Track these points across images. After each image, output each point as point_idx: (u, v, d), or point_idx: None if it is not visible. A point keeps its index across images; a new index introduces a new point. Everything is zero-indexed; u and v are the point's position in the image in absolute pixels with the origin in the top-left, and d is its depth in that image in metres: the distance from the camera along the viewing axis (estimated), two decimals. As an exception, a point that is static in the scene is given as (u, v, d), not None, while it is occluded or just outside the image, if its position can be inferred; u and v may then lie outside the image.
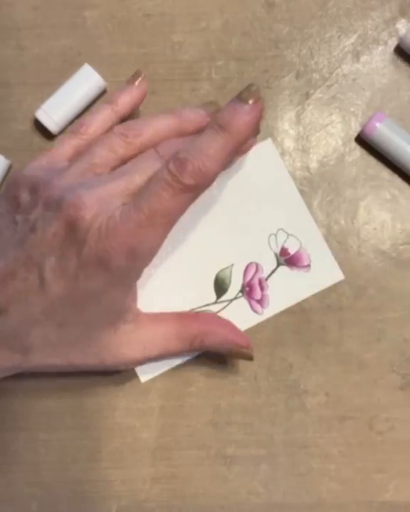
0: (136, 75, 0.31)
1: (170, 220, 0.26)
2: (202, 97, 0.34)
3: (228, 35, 0.34)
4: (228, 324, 0.31)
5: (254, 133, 0.28)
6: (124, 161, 0.28)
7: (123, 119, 0.31)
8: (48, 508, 0.31)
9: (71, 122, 0.33)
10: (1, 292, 0.26)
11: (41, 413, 0.32)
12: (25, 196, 0.28)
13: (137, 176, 0.27)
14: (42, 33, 0.34)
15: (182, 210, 0.27)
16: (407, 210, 0.33)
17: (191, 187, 0.26)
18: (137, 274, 0.28)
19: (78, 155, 0.29)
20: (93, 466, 0.32)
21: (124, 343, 0.29)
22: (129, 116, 0.32)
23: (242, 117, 0.27)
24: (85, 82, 0.33)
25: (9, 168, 0.33)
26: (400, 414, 0.31)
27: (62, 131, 0.33)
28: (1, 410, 0.32)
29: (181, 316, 0.31)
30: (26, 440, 0.32)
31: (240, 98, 0.27)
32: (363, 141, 0.33)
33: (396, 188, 0.33)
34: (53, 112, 0.32)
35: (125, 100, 0.30)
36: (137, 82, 0.31)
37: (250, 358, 0.30)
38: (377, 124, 0.32)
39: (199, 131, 0.29)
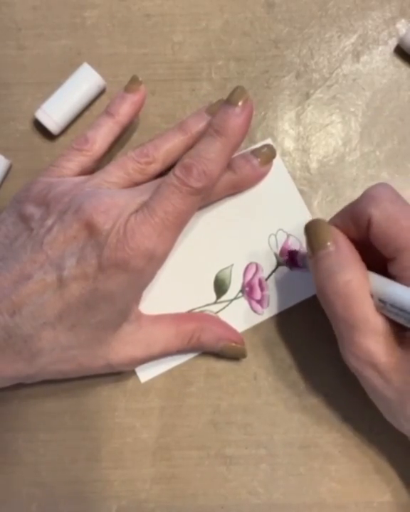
0: (133, 82, 0.32)
1: (182, 221, 0.28)
2: (202, 97, 0.34)
3: (228, 35, 0.34)
4: (221, 322, 0.32)
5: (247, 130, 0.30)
6: (135, 185, 0.30)
7: (125, 128, 0.32)
8: (47, 508, 0.31)
9: (71, 122, 0.33)
10: (14, 293, 0.27)
11: (41, 413, 0.32)
12: (37, 210, 0.28)
13: (156, 203, 0.27)
14: (42, 33, 0.34)
15: (192, 212, 0.28)
16: (407, 210, 0.33)
17: (198, 189, 0.27)
18: (151, 276, 0.29)
19: (84, 171, 0.30)
20: (93, 466, 0.32)
21: (128, 343, 0.29)
22: (131, 123, 0.32)
23: (234, 120, 0.28)
24: (85, 81, 0.33)
25: (9, 168, 0.33)
26: (400, 414, 0.31)
27: (62, 131, 0.33)
28: (1, 410, 0.32)
29: (178, 316, 0.31)
30: (26, 440, 0.32)
31: (230, 102, 0.29)
32: (402, 51, 0.33)
33: (397, 188, 0.33)
34: (53, 112, 0.32)
35: (125, 110, 0.31)
36: (135, 89, 0.31)
37: (243, 354, 0.32)
38: None
39: None
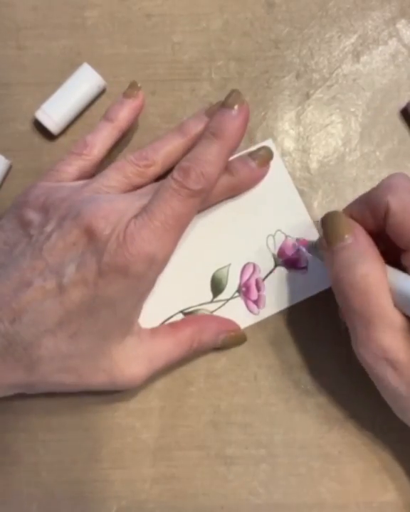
0: (132, 87, 0.32)
1: (181, 224, 0.28)
2: (202, 97, 0.34)
3: (228, 35, 0.34)
4: (214, 318, 0.32)
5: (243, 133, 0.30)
6: (135, 189, 0.30)
7: (124, 132, 0.32)
8: (48, 508, 0.31)
9: (71, 122, 0.33)
10: (14, 300, 0.26)
11: (41, 413, 0.32)
12: (36, 215, 0.28)
13: (156, 207, 0.27)
14: (42, 33, 0.34)
15: (192, 215, 0.28)
16: (407, 210, 0.33)
17: (197, 191, 0.27)
18: (153, 281, 0.29)
19: (83, 175, 0.30)
20: (93, 466, 0.32)
21: (132, 358, 0.29)
22: (130, 127, 0.32)
23: (231, 122, 0.29)
24: (85, 81, 0.33)
25: (9, 168, 0.33)
26: (400, 414, 0.31)
27: (63, 131, 0.33)
28: (1, 410, 0.32)
29: (174, 325, 0.31)
30: (26, 440, 0.32)
31: (226, 105, 0.29)
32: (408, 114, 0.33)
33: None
34: (53, 112, 0.32)
35: (124, 115, 0.31)
36: (133, 94, 0.32)
37: (243, 340, 0.32)
38: None
39: None
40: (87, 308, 0.27)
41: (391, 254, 0.27)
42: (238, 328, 0.32)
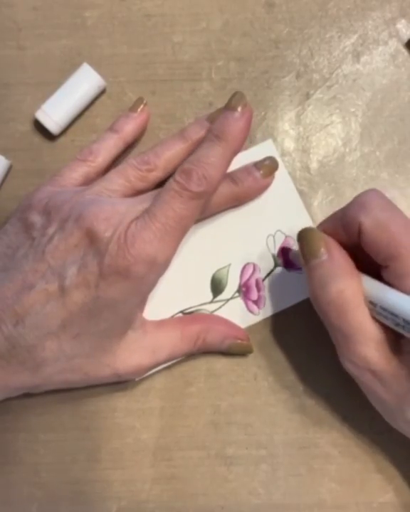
0: (138, 102, 0.32)
1: (183, 226, 0.27)
2: (202, 97, 0.34)
3: (228, 35, 0.34)
4: (225, 321, 0.32)
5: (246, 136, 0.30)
6: (137, 193, 0.30)
7: (129, 145, 0.32)
8: (48, 509, 0.31)
9: (71, 122, 0.33)
10: (17, 303, 0.27)
11: (41, 414, 0.32)
12: (39, 218, 0.28)
13: (158, 210, 0.27)
14: (42, 33, 0.34)
15: (193, 217, 0.28)
16: (407, 210, 0.33)
17: (199, 193, 0.27)
18: (154, 282, 0.29)
19: (87, 182, 0.31)
20: (93, 466, 0.32)
21: (135, 351, 0.29)
22: (135, 140, 0.33)
23: (234, 124, 0.28)
24: (85, 81, 0.33)
25: (9, 168, 0.33)
26: (400, 414, 0.31)
27: (63, 131, 0.33)
28: (1, 411, 0.32)
29: (182, 320, 0.31)
30: (26, 441, 0.32)
31: (229, 107, 0.29)
32: None
33: (397, 188, 0.33)
34: (53, 112, 0.32)
35: (130, 128, 0.32)
36: (139, 109, 0.32)
37: (249, 350, 0.32)
38: None
39: None
40: (90, 310, 0.27)
41: (373, 267, 0.27)
42: (247, 337, 0.32)
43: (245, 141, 0.29)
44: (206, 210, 0.30)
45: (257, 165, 0.32)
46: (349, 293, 0.26)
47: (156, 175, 0.30)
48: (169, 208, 0.27)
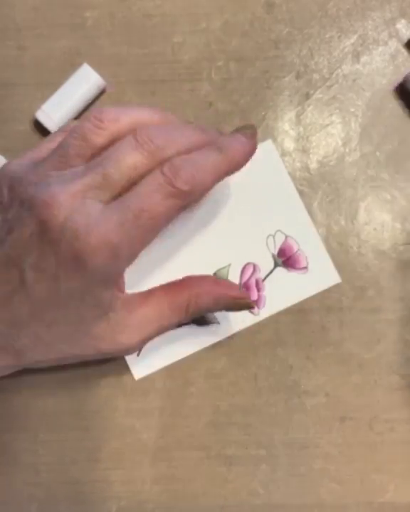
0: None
1: (156, 223, 0.25)
2: (202, 98, 0.34)
3: (228, 35, 0.34)
4: (214, 280, 0.30)
5: (246, 161, 0.28)
6: (100, 150, 0.26)
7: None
8: (47, 509, 0.31)
9: (71, 122, 0.33)
10: None
11: (41, 414, 0.32)
12: (5, 193, 0.27)
13: (113, 168, 0.25)
14: (42, 33, 0.34)
15: (169, 217, 0.26)
16: (407, 210, 0.33)
17: (182, 193, 0.25)
18: (118, 273, 0.27)
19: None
20: (93, 466, 0.31)
21: (119, 331, 0.28)
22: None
23: (240, 144, 0.28)
24: (85, 81, 0.33)
25: (9, 169, 0.33)
26: (400, 414, 0.31)
27: (62, 131, 0.33)
28: (1, 410, 0.32)
29: (169, 287, 0.30)
30: (26, 441, 0.32)
31: (239, 130, 0.29)
32: (403, 91, 0.33)
33: (397, 188, 0.33)
34: (53, 112, 0.32)
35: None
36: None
37: (249, 306, 0.30)
38: None
39: (185, 127, 0.28)
40: (55, 301, 0.26)
41: None
42: (241, 293, 0.30)
43: (243, 166, 0.28)
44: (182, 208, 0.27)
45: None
46: None
47: (120, 128, 0.27)
48: (146, 201, 0.25)
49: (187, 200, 0.26)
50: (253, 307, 0.31)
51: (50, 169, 0.26)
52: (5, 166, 0.29)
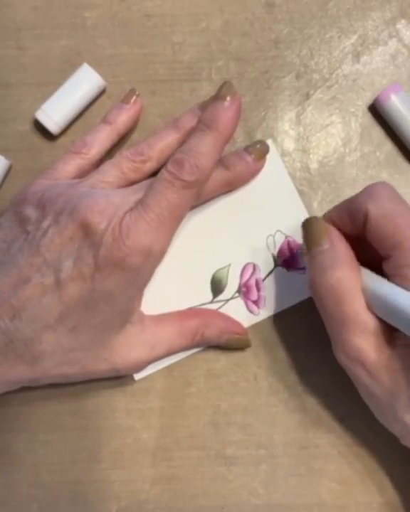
0: (131, 93, 0.32)
1: (177, 216, 0.28)
2: (202, 98, 0.33)
3: (228, 35, 0.34)
4: (223, 315, 0.32)
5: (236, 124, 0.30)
6: (131, 184, 0.30)
7: (122, 136, 0.32)
8: (48, 509, 0.31)
9: (71, 122, 0.33)
10: (13, 297, 0.27)
11: (41, 414, 0.32)
12: (33, 212, 0.28)
13: (143, 191, 0.28)
14: (42, 33, 0.34)
15: (187, 206, 0.28)
16: (407, 210, 0.33)
17: (191, 182, 0.27)
18: (150, 273, 0.29)
19: (81, 174, 0.30)
20: (93, 466, 0.32)
21: (133, 345, 0.29)
22: (128, 131, 0.33)
23: (223, 113, 0.29)
24: (85, 81, 0.33)
25: (9, 168, 0.33)
26: (400, 414, 0.31)
27: (63, 131, 0.33)
28: (1, 411, 0.32)
29: (181, 315, 0.31)
30: (26, 441, 0.32)
31: (218, 96, 0.29)
32: (375, 111, 0.33)
33: (397, 188, 0.33)
34: (53, 112, 0.32)
35: (123, 119, 0.32)
36: (132, 100, 0.32)
37: (247, 344, 0.32)
38: (392, 95, 0.32)
39: None
40: (86, 302, 0.27)
41: (375, 261, 0.27)
42: (244, 331, 0.32)
43: (235, 129, 0.29)
44: (199, 196, 0.30)
45: (248, 149, 0.31)
46: (348, 281, 0.26)
47: (150, 166, 0.30)
48: (162, 198, 0.27)
49: (197, 186, 0.28)
50: (249, 346, 0.32)
51: (88, 187, 0.29)
52: (26, 187, 0.30)
